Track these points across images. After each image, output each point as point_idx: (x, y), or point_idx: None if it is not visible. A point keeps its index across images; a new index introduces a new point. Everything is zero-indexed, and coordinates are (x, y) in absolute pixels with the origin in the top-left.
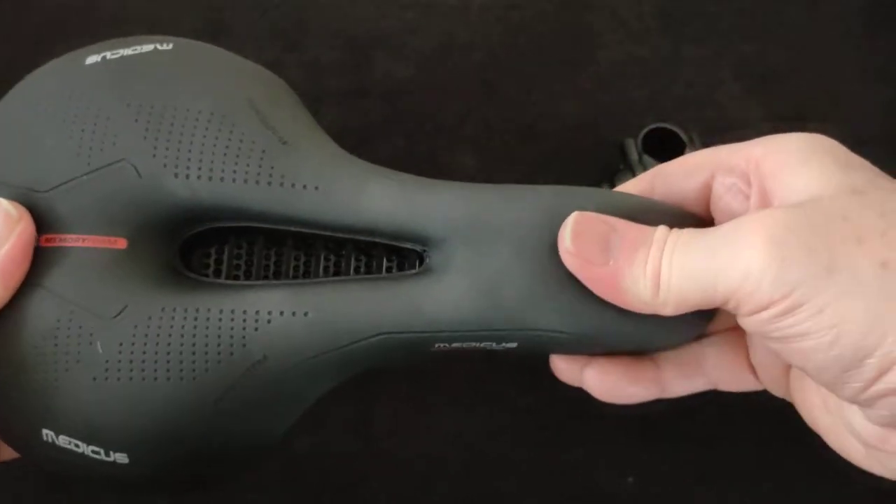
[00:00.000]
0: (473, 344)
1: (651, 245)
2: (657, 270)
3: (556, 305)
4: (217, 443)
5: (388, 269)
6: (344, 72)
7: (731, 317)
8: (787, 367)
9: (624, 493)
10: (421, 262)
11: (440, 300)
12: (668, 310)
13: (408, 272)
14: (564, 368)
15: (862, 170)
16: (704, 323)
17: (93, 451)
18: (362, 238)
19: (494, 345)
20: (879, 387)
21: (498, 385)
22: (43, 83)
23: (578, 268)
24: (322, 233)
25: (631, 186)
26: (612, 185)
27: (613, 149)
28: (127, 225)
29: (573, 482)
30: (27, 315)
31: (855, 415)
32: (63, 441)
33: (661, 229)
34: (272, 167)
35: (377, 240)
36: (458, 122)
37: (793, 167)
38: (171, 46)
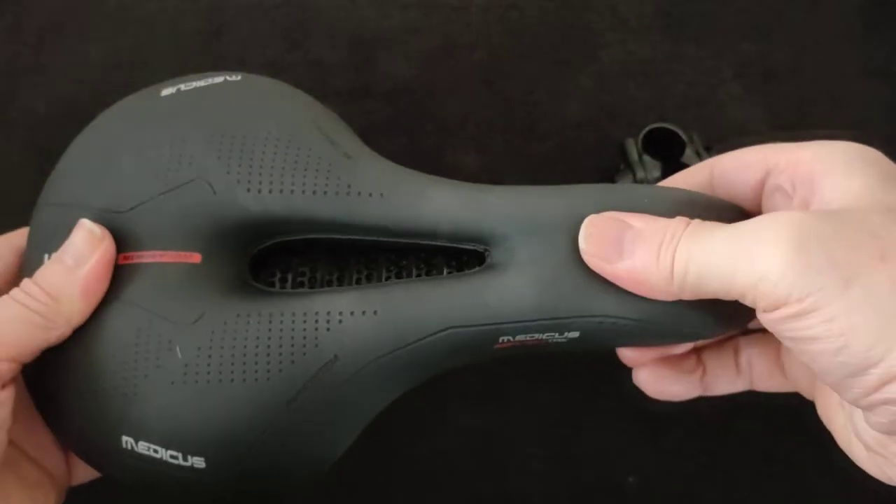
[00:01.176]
0: (537, 336)
1: (665, 236)
2: (669, 261)
3: (616, 291)
4: (289, 446)
5: (449, 272)
6: (346, 72)
7: None
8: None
9: (634, 489)
10: (480, 263)
11: (504, 292)
12: (686, 296)
13: (472, 270)
14: (631, 356)
15: None
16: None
17: (171, 456)
18: (424, 242)
19: (557, 335)
20: (880, 395)
21: (509, 382)
22: (121, 113)
23: (597, 267)
24: (386, 239)
25: (688, 178)
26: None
27: (614, 148)
28: (201, 240)
29: (584, 478)
30: (107, 327)
31: (859, 417)
32: (142, 447)
33: (678, 220)
34: (339, 178)
35: (438, 243)
36: (459, 121)
37: (836, 175)
38: (239, 78)
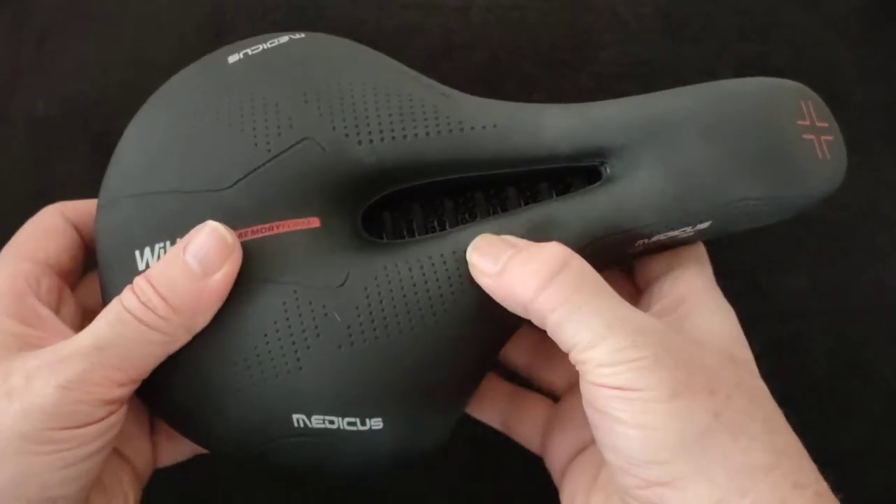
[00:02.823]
0: (671, 233)
1: (542, 259)
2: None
3: (747, 175)
4: (456, 393)
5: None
6: None
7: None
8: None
9: None
10: (589, 180)
11: (639, 195)
12: (528, 315)
13: (593, 186)
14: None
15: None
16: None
17: (348, 424)
18: (541, 167)
19: (690, 229)
20: (647, 492)
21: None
22: (189, 86)
23: (477, 277)
24: (503, 171)
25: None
26: None
27: None
28: (317, 202)
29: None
30: (248, 309)
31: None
32: (316, 421)
33: (556, 249)
34: (448, 116)
35: (556, 165)
36: None
37: (704, 309)
38: (304, 35)
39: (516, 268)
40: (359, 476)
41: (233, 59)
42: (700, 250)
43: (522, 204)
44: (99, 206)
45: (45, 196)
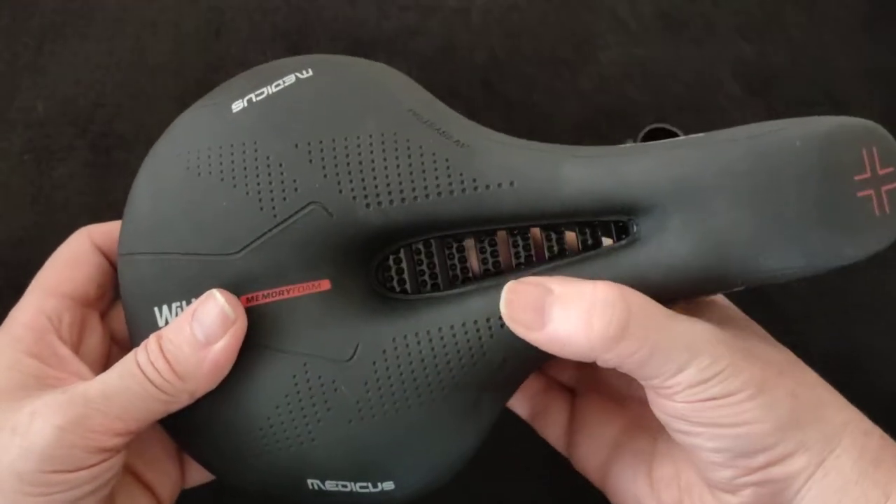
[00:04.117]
0: (698, 296)
1: (595, 302)
2: (613, 330)
3: (788, 246)
4: (467, 444)
5: (586, 246)
6: None
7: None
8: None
9: None
10: (622, 234)
11: (667, 265)
12: (605, 363)
13: (618, 244)
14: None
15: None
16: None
17: (360, 487)
18: (562, 221)
19: (723, 293)
20: (755, 476)
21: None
22: (195, 140)
23: (521, 334)
24: (523, 224)
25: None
26: None
27: None
28: (326, 265)
29: (581, 477)
30: (260, 379)
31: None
32: (330, 486)
33: (605, 286)
34: (461, 174)
35: (578, 219)
36: None
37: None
38: (311, 73)
39: (567, 314)
40: None
41: (237, 107)
42: None
43: (546, 253)
44: (119, 256)
45: (45, 196)
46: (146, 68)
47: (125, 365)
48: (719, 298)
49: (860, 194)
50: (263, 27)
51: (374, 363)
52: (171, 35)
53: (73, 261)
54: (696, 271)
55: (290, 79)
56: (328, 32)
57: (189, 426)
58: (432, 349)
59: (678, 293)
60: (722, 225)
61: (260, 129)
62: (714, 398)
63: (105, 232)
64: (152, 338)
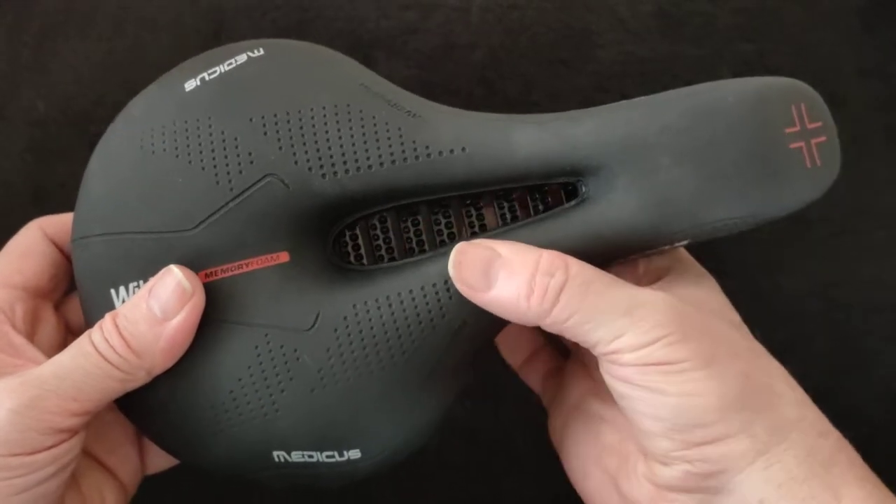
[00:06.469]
0: (650, 252)
1: (538, 270)
2: (549, 301)
3: (727, 197)
4: (432, 411)
5: (536, 210)
6: None
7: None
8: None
9: None
10: (567, 195)
11: (617, 221)
12: (550, 328)
13: (568, 205)
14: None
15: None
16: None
17: (327, 457)
18: (513, 185)
19: (668, 247)
20: (689, 452)
21: (503, 379)
22: (148, 119)
23: (467, 293)
24: (475, 191)
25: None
26: None
27: None
28: (285, 237)
29: None
30: (221, 353)
31: (646, 469)
32: (296, 456)
33: (552, 256)
34: (414, 141)
35: (530, 183)
36: None
37: (688, 280)
38: (262, 52)
39: (511, 279)
40: (348, 485)
41: (189, 85)
42: None
43: (499, 220)
44: (72, 241)
45: (45, 196)
46: (146, 68)
47: (79, 345)
48: (713, 288)
49: (792, 146)
50: (263, 26)
51: (336, 330)
52: (171, 34)
53: (25, 252)
54: (644, 226)
55: (241, 58)
56: (328, 31)
57: (149, 407)
58: (392, 313)
59: (630, 249)
60: (666, 181)
61: (213, 106)
62: (659, 363)
63: (57, 223)
64: (107, 316)
